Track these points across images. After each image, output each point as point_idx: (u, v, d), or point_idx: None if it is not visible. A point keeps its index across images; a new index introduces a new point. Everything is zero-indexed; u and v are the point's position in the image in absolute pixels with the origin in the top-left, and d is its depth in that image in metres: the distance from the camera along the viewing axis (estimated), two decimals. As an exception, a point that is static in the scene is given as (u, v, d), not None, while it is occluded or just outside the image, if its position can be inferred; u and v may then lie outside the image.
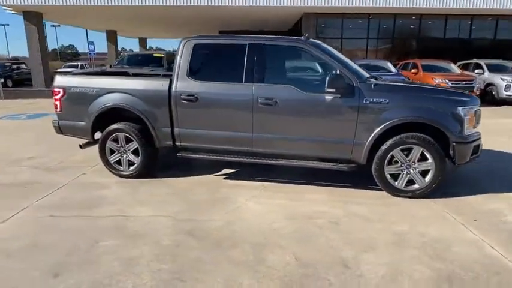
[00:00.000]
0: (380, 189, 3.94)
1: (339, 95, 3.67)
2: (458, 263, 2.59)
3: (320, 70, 4.04)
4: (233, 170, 4.75)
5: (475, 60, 13.02)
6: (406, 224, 3.21)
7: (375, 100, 3.63)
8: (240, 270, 2.50)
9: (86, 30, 31.75)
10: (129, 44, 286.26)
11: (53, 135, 5.01)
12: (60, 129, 4.69)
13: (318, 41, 3.99)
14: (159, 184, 4.29)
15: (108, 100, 4.32)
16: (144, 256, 2.69)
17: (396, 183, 3.78)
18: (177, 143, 4.30)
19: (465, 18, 16.26)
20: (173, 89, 4.11)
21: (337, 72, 3.66)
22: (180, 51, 4.16)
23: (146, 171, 4.46)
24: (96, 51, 21.75)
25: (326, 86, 3.60)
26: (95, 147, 4.56)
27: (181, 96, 4.07)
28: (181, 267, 2.54)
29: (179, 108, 4.12)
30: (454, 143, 3.59)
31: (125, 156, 4.47)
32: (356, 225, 3.19)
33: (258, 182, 4.29)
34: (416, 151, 3.65)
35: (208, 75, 4.12)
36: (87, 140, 4.69)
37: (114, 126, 4.38)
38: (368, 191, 3.99)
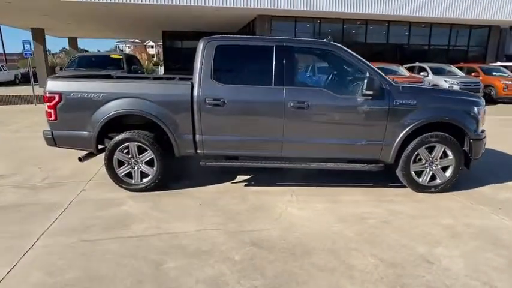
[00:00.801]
0: (400, 187, 4.15)
1: (370, 98, 3.79)
2: (516, 248, 2.84)
3: (345, 73, 4.12)
4: (248, 176, 4.59)
5: (418, 64, 14.46)
6: (448, 217, 3.42)
7: (404, 102, 3.82)
8: (336, 277, 2.42)
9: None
10: (58, 43, 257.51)
11: (14, 148, 4.35)
12: (54, 141, 4.07)
13: (341, 45, 4.08)
14: (179, 196, 3.96)
15: (118, 106, 3.87)
16: (225, 274, 2.45)
17: (420, 179, 4.02)
18: (199, 151, 4.03)
19: (404, 25, 17.99)
20: (196, 93, 3.86)
21: (370, 75, 3.78)
22: (200, 53, 3.91)
23: (162, 183, 4.09)
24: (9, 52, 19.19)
25: (365, 88, 3.69)
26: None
27: (207, 101, 3.83)
28: (275, 281, 2.38)
29: (203, 114, 3.86)
30: (471, 140, 3.94)
31: (136, 167, 4.05)
32: (406, 223, 3.30)
33: (281, 187, 4.21)
34: (439, 149, 3.92)
35: (235, 78, 3.94)
36: (87, 152, 4.15)
37: (125, 135, 3.95)
38: (392, 189, 4.16)
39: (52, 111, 3.94)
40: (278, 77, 3.85)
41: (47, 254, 2.69)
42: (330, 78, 4.23)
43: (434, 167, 3.99)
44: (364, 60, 3.98)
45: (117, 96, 3.90)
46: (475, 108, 3.95)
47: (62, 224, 3.21)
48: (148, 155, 3.99)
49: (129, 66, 10.16)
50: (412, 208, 3.63)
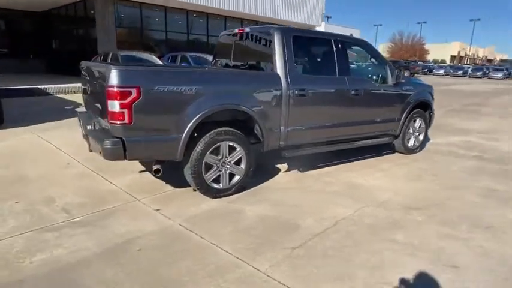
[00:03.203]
0: (389, 154, 5.47)
1: (393, 85, 4.85)
2: None
3: (374, 65, 4.94)
4: (289, 163, 4.76)
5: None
6: (460, 177, 4.94)
7: (407, 88, 5.09)
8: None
9: None
10: None
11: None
12: (124, 152, 3.00)
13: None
14: (278, 192, 3.81)
15: (215, 101, 3.32)
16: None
17: (409, 144, 5.46)
18: (281, 143, 3.97)
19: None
20: (284, 84, 3.78)
21: (393, 68, 4.80)
22: (280, 43, 3.81)
23: (248, 182, 3.79)
24: None
25: (395, 79, 4.68)
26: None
27: (295, 92, 3.84)
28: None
29: (290, 105, 3.85)
30: (431, 113, 5.68)
31: (223, 170, 3.58)
32: (444, 180, 4.62)
33: (326, 168, 4.68)
34: (419, 121, 5.45)
35: (311, 69, 4.10)
36: (154, 161, 3.29)
37: (221, 134, 3.43)
38: (385, 157, 5.37)
39: (126, 111, 2.92)
40: (340, 68, 4.30)
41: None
42: (368, 69, 4.99)
43: (415, 135, 5.52)
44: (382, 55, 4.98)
45: (213, 89, 3.32)
46: (432, 91, 5.72)
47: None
48: (238, 153, 3.63)
49: None
50: (420, 170, 5.00)
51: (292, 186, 4.02)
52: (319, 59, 4.35)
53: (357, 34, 42.11)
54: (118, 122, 2.93)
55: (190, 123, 3.19)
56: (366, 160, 5.11)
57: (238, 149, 3.60)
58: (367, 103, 4.64)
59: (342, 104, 4.33)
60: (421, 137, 5.62)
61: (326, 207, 3.45)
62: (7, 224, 2.94)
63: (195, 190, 3.58)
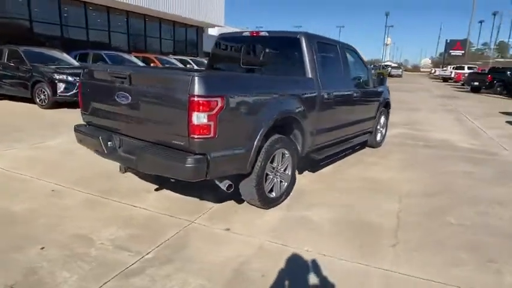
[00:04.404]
0: (360, 149, 6.10)
1: (375, 88, 5.41)
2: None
3: (362, 69, 5.33)
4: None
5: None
6: (436, 164, 5.81)
7: (381, 89, 5.74)
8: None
9: None
10: None
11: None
12: (207, 169, 2.62)
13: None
14: (316, 194, 3.85)
15: (278, 108, 3.19)
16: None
17: (378, 139, 6.17)
18: (313, 145, 4.02)
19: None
20: (316, 88, 3.85)
21: (370, 73, 5.34)
22: (309, 48, 3.85)
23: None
24: None
25: (379, 82, 5.25)
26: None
27: (325, 96, 3.96)
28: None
29: (320, 110, 3.94)
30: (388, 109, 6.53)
31: (276, 178, 3.47)
32: (427, 168, 5.38)
33: (328, 167, 4.96)
34: (384, 113, 6.17)
35: (330, 73, 4.22)
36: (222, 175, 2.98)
37: (277, 142, 3.29)
38: (360, 152, 5.94)
39: (212, 123, 2.58)
40: (346, 71, 4.61)
41: None
42: (359, 74, 5.35)
43: (380, 130, 6.24)
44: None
45: (276, 96, 3.19)
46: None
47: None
48: (287, 160, 3.56)
49: None
50: (372, 152, 5.76)
51: (321, 187, 4.12)
52: (333, 63, 4.55)
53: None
54: (203, 137, 2.55)
55: (260, 132, 2.99)
56: (348, 157, 5.55)
57: (287, 155, 3.52)
58: (363, 103, 5.08)
59: (349, 105, 4.65)
60: (384, 132, 6.41)
61: (372, 203, 3.68)
62: (64, 279, 2.26)
63: (239, 203, 3.39)
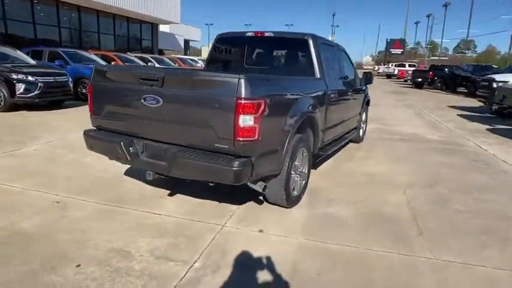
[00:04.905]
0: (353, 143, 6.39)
1: (362, 86, 5.68)
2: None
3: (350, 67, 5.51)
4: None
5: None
6: (419, 156, 6.21)
7: (365, 87, 6.03)
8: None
9: None
10: None
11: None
12: (251, 172, 2.60)
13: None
14: (328, 191, 3.97)
15: (303, 108, 3.25)
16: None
17: (360, 135, 6.48)
18: (322, 142, 4.14)
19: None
20: (324, 87, 3.97)
21: (356, 72, 5.60)
22: (316, 49, 3.97)
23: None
24: None
25: (367, 80, 5.51)
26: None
27: (332, 94, 4.09)
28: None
29: (328, 108, 4.06)
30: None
31: (296, 176, 3.53)
32: (413, 159, 5.76)
33: (326, 163, 5.13)
34: (365, 111, 6.53)
35: (332, 72, 4.35)
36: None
37: (300, 141, 3.34)
38: (346, 148, 6.26)
39: (257, 126, 2.57)
40: (342, 70, 4.79)
41: None
42: (349, 71, 5.53)
43: (361, 126, 6.55)
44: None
45: (299, 96, 3.23)
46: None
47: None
48: (305, 158, 3.63)
49: None
50: (357, 147, 6.11)
51: (329, 184, 4.25)
52: (333, 63, 4.68)
53: (197, 33, 43.20)
54: (248, 139, 2.52)
55: (290, 132, 3.03)
56: (338, 153, 5.77)
57: (305, 154, 3.59)
58: (355, 101, 5.31)
59: (346, 102, 4.84)
60: (364, 127, 6.76)
61: (381, 197, 3.87)
62: (123, 295, 2.12)
63: (259, 204, 3.42)
